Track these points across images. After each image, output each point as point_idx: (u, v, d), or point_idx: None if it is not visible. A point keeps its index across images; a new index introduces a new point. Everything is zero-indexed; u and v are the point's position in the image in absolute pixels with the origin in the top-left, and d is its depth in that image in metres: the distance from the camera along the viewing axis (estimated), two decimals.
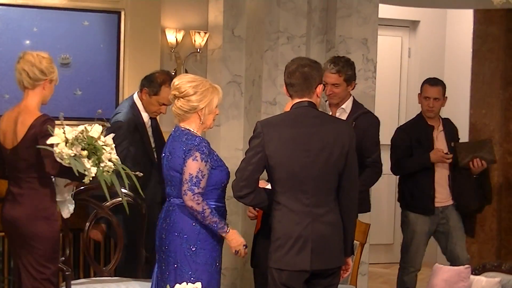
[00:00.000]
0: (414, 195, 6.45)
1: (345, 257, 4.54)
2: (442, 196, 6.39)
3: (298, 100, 4.50)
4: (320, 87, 4.51)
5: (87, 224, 5.49)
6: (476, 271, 5.10)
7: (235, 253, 4.77)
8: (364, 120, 5.87)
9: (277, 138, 4.42)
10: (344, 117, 5.82)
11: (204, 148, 4.61)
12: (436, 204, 6.40)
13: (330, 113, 5.68)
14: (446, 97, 6.57)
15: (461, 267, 5.00)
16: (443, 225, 6.47)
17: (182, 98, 4.65)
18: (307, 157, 4.38)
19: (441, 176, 6.41)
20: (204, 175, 4.60)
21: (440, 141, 6.47)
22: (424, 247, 6.60)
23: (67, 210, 4.97)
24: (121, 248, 5.56)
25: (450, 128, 6.54)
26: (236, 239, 4.73)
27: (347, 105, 5.91)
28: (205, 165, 4.60)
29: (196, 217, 4.61)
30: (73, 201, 5.00)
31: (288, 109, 4.57)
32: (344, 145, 4.40)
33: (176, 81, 4.69)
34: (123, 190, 5.48)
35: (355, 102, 5.95)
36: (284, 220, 4.43)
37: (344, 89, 5.83)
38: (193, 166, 4.57)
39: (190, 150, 4.58)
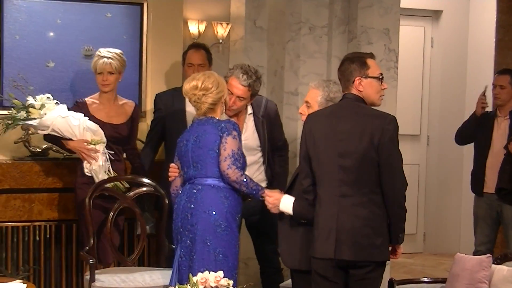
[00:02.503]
0: (472, 177, 6.91)
1: (393, 244, 4.56)
2: (491, 181, 6.53)
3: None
4: (358, 80, 4.51)
5: (110, 214, 5.54)
6: (498, 260, 5.09)
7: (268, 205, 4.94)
8: (271, 107, 5.83)
9: (314, 130, 4.53)
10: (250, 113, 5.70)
11: (238, 128, 4.91)
12: (485, 189, 6.66)
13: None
14: None
15: (483, 256, 4.99)
16: (498, 212, 6.72)
17: (210, 94, 4.90)
18: (334, 149, 4.43)
19: (493, 161, 6.60)
20: (242, 154, 4.91)
21: (502, 129, 6.65)
22: (483, 230, 6.82)
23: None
24: (144, 238, 5.61)
25: None
26: (274, 196, 4.89)
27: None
28: (241, 146, 4.91)
29: (240, 188, 4.86)
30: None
31: None
32: (373, 138, 4.37)
33: (198, 83, 4.91)
34: (146, 180, 5.56)
35: None
36: (318, 210, 4.51)
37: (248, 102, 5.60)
38: (234, 144, 4.84)
39: (227, 129, 4.84)
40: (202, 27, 6.81)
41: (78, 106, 5.82)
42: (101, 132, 5.67)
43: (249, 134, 5.67)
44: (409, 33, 8.81)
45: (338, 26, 6.69)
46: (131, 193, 5.61)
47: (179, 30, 6.71)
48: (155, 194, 5.71)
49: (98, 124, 5.71)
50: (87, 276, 5.27)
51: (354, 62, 4.54)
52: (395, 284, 5.10)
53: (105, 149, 5.63)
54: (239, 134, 4.90)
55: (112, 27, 6.47)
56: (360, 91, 4.53)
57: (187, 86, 4.95)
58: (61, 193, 6.09)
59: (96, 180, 5.59)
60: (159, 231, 5.70)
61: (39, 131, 5.70)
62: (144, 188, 5.64)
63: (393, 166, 4.44)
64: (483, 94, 6.74)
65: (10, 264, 6.01)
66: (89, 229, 5.48)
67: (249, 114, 5.68)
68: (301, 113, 4.95)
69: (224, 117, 5.25)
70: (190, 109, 5.85)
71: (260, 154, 5.71)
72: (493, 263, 4.98)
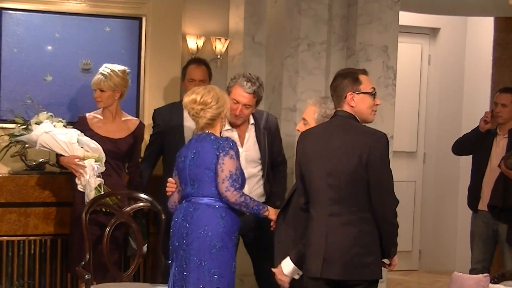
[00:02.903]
0: (468, 193, 6.92)
1: (385, 257, 4.53)
2: (486, 198, 6.54)
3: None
4: (350, 95, 4.49)
5: (107, 229, 5.52)
6: (495, 280, 5.07)
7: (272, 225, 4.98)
8: (272, 120, 5.84)
9: (306, 148, 4.50)
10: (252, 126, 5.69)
11: (235, 147, 4.85)
12: (481, 206, 6.70)
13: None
14: None
15: (480, 275, 4.96)
16: (494, 230, 6.73)
17: (209, 109, 4.85)
18: (324, 167, 4.39)
19: (490, 178, 6.60)
20: (240, 172, 4.86)
21: (500, 147, 6.66)
22: (479, 247, 6.82)
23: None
24: (141, 254, 5.59)
25: None
26: (275, 214, 4.97)
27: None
28: (239, 164, 4.85)
29: (240, 209, 4.84)
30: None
31: None
32: (361, 156, 4.33)
33: (197, 97, 4.88)
34: (143, 196, 5.54)
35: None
36: (310, 229, 4.47)
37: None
38: (232, 164, 4.79)
39: (224, 148, 4.79)
40: (200, 42, 6.82)
41: (79, 121, 5.85)
42: (99, 148, 5.65)
43: (250, 145, 5.65)
44: (407, 50, 8.81)
45: (336, 42, 6.69)
46: (128, 208, 5.59)
47: (178, 45, 6.71)
48: (152, 210, 5.69)
49: (95, 137, 5.70)
50: None
51: (346, 78, 4.52)
52: None
53: (96, 165, 5.61)
54: (237, 152, 4.86)
55: (111, 42, 6.47)
56: (352, 106, 4.50)
57: (187, 99, 4.93)
58: (57, 207, 6.07)
59: (86, 197, 5.58)
60: (156, 246, 5.66)
61: (33, 147, 5.73)
62: (141, 204, 5.62)
63: (383, 184, 4.37)
64: (490, 110, 6.75)
65: (5, 278, 5.98)
66: (85, 244, 5.45)
67: (251, 124, 5.67)
68: (298, 130, 4.93)
69: (226, 133, 5.29)
70: (188, 124, 5.85)
71: (260, 167, 5.69)
72: (491, 282, 4.97)
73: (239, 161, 4.87)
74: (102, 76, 5.76)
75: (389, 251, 4.49)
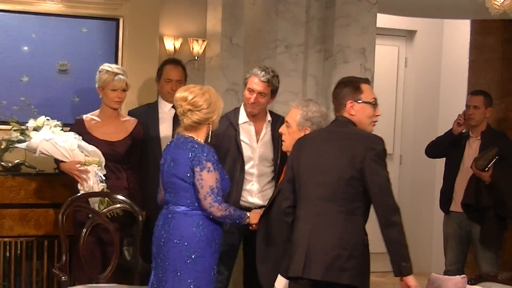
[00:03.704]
0: (441, 195, 6.98)
1: (396, 274, 4.35)
2: (459, 199, 6.59)
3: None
4: (350, 103, 4.51)
5: (83, 230, 5.49)
6: (472, 281, 5.10)
7: (251, 227, 4.99)
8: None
9: (301, 152, 4.51)
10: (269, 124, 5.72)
11: (213, 157, 4.70)
12: (454, 208, 6.76)
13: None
14: (491, 108, 6.81)
15: (458, 276, 4.98)
16: (467, 231, 6.77)
17: (197, 111, 4.72)
18: (316, 168, 4.40)
19: (462, 180, 6.65)
20: (221, 181, 4.74)
21: (473, 149, 6.71)
22: (453, 249, 6.87)
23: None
24: (118, 255, 5.56)
25: (492, 140, 6.65)
26: (257, 217, 4.97)
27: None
28: (218, 173, 4.71)
29: (225, 221, 4.77)
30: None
31: None
32: (355, 156, 4.33)
33: (189, 95, 4.73)
34: (120, 197, 5.51)
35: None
36: (295, 229, 4.45)
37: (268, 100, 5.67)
38: (211, 178, 4.66)
39: (200, 161, 4.65)
40: (178, 44, 6.80)
41: (76, 124, 5.80)
42: (97, 152, 5.62)
43: (266, 142, 5.64)
44: (383, 53, 8.83)
45: (314, 44, 6.68)
46: (105, 210, 5.56)
47: (155, 46, 6.69)
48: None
49: (93, 141, 5.66)
50: None
51: (347, 86, 4.53)
52: None
53: (97, 170, 5.57)
54: (215, 162, 4.71)
55: (88, 43, 6.45)
56: (352, 115, 4.51)
57: (178, 94, 4.77)
58: (33, 209, 6.03)
59: (90, 202, 5.55)
60: (134, 248, 5.63)
61: (32, 154, 5.69)
62: (118, 205, 5.58)
63: (380, 184, 4.33)
64: (463, 113, 6.79)
65: None
66: (62, 245, 5.41)
67: (268, 121, 5.68)
68: (281, 132, 4.93)
69: (243, 125, 5.45)
70: (164, 125, 5.86)
71: (272, 168, 5.65)
72: (468, 283, 4.99)
73: (217, 170, 4.73)
74: (122, 76, 5.72)
75: (398, 266, 4.30)
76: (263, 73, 5.52)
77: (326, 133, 4.55)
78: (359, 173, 4.33)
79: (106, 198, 5.56)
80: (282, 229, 4.72)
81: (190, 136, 4.76)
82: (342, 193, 4.36)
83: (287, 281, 4.54)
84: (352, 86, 4.52)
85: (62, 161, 5.59)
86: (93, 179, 5.54)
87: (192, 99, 4.71)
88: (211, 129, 4.81)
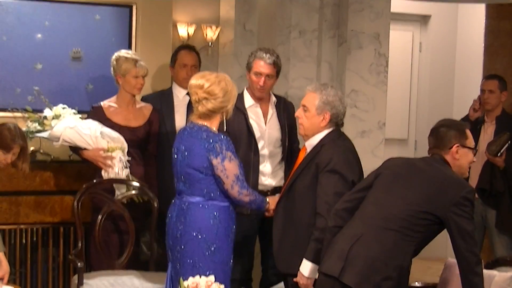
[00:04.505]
0: None
1: None
2: (474, 185, 6.56)
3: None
4: (456, 147, 4.45)
5: (99, 217, 5.50)
6: (489, 266, 5.08)
7: (268, 212, 4.96)
8: (290, 104, 5.87)
9: (388, 168, 4.46)
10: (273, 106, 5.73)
11: (231, 145, 4.68)
12: None
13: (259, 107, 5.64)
14: (506, 92, 6.77)
15: None
16: (482, 217, 6.72)
17: (213, 99, 4.68)
18: (395, 195, 4.31)
19: (478, 165, 6.56)
20: (241, 165, 4.73)
21: (488, 134, 6.68)
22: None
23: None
24: (133, 242, 5.57)
25: (508, 124, 6.64)
26: (275, 202, 4.93)
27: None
28: (238, 159, 4.70)
29: (250, 206, 4.81)
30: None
31: None
32: (443, 198, 4.24)
33: (205, 83, 4.68)
34: (135, 184, 5.52)
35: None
36: (345, 227, 4.37)
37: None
38: (234, 166, 4.65)
39: (220, 151, 4.62)
40: (191, 30, 6.78)
41: (94, 111, 5.78)
42: (121, 138, 5.62)
43: (273, 123, 5.65)
44: (398, 38, 8.79)
45: (328, 30, 6.65)
46: (120, 196, 5.57)
47: (168, 32, 6.67)
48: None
49: (114, 128, 5.66)
50: (74, 280, 5.23)
51: (453, 129, 4.46)
52: None
53: (121, 156, 5.58)
54: (233, 150, 4.70)
55: (101, 30, 6.44)
56: (455, 158, 4.44)
57: (194, 81, 4.73)
58: (49, 196, 6.05)
59: (115, 189, 5.57)
60: (150, 235, 5.64)
61: (54, 143, 5.68)
62: (133, 191, 5.59)
63: (468, 233, 4.24)
64: (478, 98, 6.76)
65: None
66: (78, 232, 5.43)
67: (273, 102, 5.69)
68: (297, 116, 4.90)
69: (250, 108, 5.43)
70: (179, 115, 5.85)
71: (281, 148, 5.66)
72: (484, 268, 4.97)
73: (237, 157, 4.73)
74: (142, 62, 5.74)
75: None
76: (268, 55, 5.51)
77: (424, 164, 4.44)
78: (442, 214, 4.24)
79: (130, 175, 5.59)
80: (304, 213, 4.69)
81: (204, 125, 4.72)
82: (409, 220, 4.26)
83: (314, 266, 4.52)
84: (458, 130, 4.46)
85: (84, 149, 5.59)
86: (118, 166, 5.54)
87: (208, 87, 4.67)
88: (224, 118, 4.79)
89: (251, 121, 5.56)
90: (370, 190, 4.42)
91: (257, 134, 5.56)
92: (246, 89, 5.66)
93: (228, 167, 4.63)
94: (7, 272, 4.82)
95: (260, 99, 5.61)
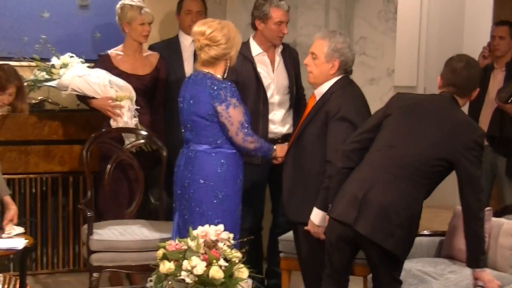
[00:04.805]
0: None
1: (471, 268, 4.33)
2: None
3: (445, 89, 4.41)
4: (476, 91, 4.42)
5: (108, 166, 5.51)
6: (498, 213, 5.09)
7: (276, 160, 4.94)
8: (295, 51, 5.89)
9: (398, 110, 4.37)
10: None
11: (236, 92, 4.65)
12: None
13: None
14: None
15: None
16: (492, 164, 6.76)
17: (215, 46, 4.64)
18: (407, 136, 4.27)
19: (487, 112, 6.63)
20: (246, 112, 4.71)
21: (497, 80, 6.65)
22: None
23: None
24: (142, 191, 5.58)
25: None
26: (283, 150, 4.88)
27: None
28: (242, 106, 4.68)
29: (256, 154, 4.79)
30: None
31: None
32: (455, 144, 4.20)
33: (207, 30, 4.64)
34: (144, 133, 5.51)
35: None
36: (355, 171, 4.34)
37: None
38: (238, 113, 4.63)
39: (224, 98, 4.59)
40: None
41: (101, 60, 5.75)
42: (129, 87, 5.59)
43: (280, 71, 5.65)
44: None
45: None
46: (129, 145, 5.56)
47: None
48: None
49: (122, 76, 5.63)
50: (84, 229, 5.25)
51: (478, 72, 4.43)
52: None
53: (130, 105, 5.56)
54: (238, 97, 4.67)
55: None
56: (470, 100, 4.47)
57: (196, 28, 4.69)
58: (58, 145, 6.05)
59: (124, 138, 5.56)
60: (158, 184, 5.65)
61: (62, 92, 5.66)
62: (142, 140, 5.58)
63: (476, 178, 4.22)
64: (488, 45, 6.71)
65: None
66: (87, 181, 5.45)
67: (280, 50, 5.69)
68: (306, 64, 4.87)
69: (257, 57, 5.46)
70: (189, 66, 5.82)
71: (289, 96, 5.68)
72: (493, 216, 4.98)
73: (242, 104, 4.71)
74: (147, 9, 5.72)
75: (477, 259, 4.28)
76: (283, 2, 5.52)
77: (434, 105, 4.36)
78: (453, 158, 4.21)
79: (139, 124, 5.59)
80: (314, 162, 4.68)
81: (209, 72, 4.70)
82: (421, 168, 4.24)
83: (324, 214, 4.52)
84: (480, 72, 4.44)
85: (93, 98, 5.58)
86: (127, 114, 5.54)
87: (210, 33, 4.63)
88: (228, 64, 4.75)
89: (259, 70, 5.54)
90: (379, 132, 4.38)
91: (265, 82, 5.55)
92: (253, 37, 5.63)
93: (232, 114, 4.62)
94: (15, 214, 4.87)
95: (267, 47, 5.59)
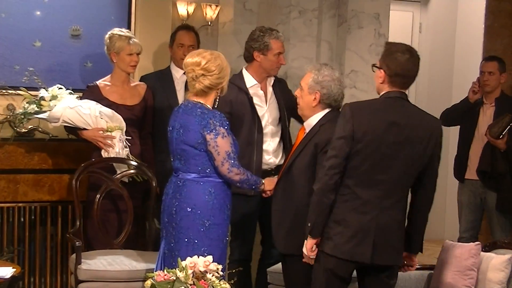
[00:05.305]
0: (455, 162, 6.95)
1: (411, 254, 4.51)
2: (474, 167, 6.57)
3: (394, 89, 4.38)
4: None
5: (97, 196, 5.50)
6: (487, 248, 5.09)
7: (265, 194, 4.94)
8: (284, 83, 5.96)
9: (367, 124, 4.26)
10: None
11: (225, 122, 4.68)
12: (468, 175, 6.77)
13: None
14: (505, 74, 6.79)
15: (472, 243, 4.99)
16: (481, 199, 6.78)
17: (210, 76, 4.69)
18: (391, 148, 4.24)
19: (477, 147, 6.64)
20: (235, 143, 4.74)
21: (487, 116, 6.68)
22: (467, 216, 6.88)
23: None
24: (131, 221, 5.57)
25: (507, 106, 6.63)
26: (272, 183, 4.87)
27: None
28: (231, 137, 4.70)
29: (242, 186, 4.77)
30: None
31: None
32: (429, 144, 4.30)
33: (202, 61, 4.70)
34: (134, 163, 5.51)
35: None
36: (349, 206, 4.32)
37: None
38: (226, 143, 4.65)
39: (213, 127, 4.62)
40: (191, 9, 6.75)
41: (90, 91, 5.76)
42: (119, 117, 5.61)
43: (273, 102, 5.75)
44: (398, 18, 8.76)
45: (328, 10, 6.64)
46: (118, 175, 5.56)
47: (168, 11, 6.64)
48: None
49: (112, 107, 5.64)
50: (73, 259, 5.23)
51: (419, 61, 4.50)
52: None
53: (121, 135, 5.57)
54: (227, 127, 4.69)
55: (100, 7, 6.39)
56: None
57: (190, 59, 4.74)
58: (47, 174, 6.02)
59: (116, 169, 5.57)
60: (147, 214, 5.64)
61: (53, 124, 5.67)
62: (132, 170, 5.59)
63: (435, 174, 4.41)
64: (477, 80, 6.75)
65: None
66: (76, 210, 5.44)
67: (272, 81, 5.78)
68: (295, 95, 4.89)
69: (252, 89, 5.51)
70: (180, 92, 5.85)
71: (280, 127, 5.75)
72: (482, 250, 4.98)
73: (231, 135, 4.73)
74: (136, 40, 5.76)
75: (422, 244, 4.50)
76: (279, 33, 5.65)
77: (399, 117, 4.29)
78: (428, 159, 4.33)
79: (130, 155, 5.61)
80: (303, 193, 4.65)
81: (199, 102, 4.74)
82: (412, 181, 4.36)
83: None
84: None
85: (84, 129, 5.57)
86: (118, 145, 5.54)
87: (205, 64, 4.69)
88: (219, 94, 4.79)
89: (254, 101, 5.59)
90: (358, 156, 4.28)
91: (259, 112, 5.62)
92: (246, 69, 5.66)
93: (220, 144, 4.64)
94: None
95: (261, 79, 5.66)
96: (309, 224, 4.37)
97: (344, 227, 4.30)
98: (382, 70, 4.40)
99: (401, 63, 4.36)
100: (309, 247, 4.42)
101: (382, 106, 4.34)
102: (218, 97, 4.80)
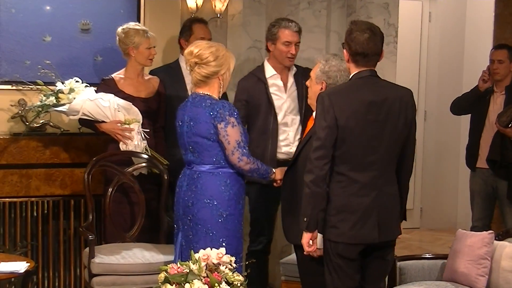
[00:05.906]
0: (466, 151, 6.94)
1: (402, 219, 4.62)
2: (485, 155, 6.56)
3: (362, 69, 4.40)
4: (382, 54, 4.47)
5: (109, 190, 5.51)
6: (500, 237, 5.09)
7: (276, 183, 4.96)
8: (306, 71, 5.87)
9: (347, 109, 4.30)
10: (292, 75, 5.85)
11: (234, 111, 4.70)
12: (479, 164, 6.73)
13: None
14: None
15: (485, 232, 4.98)
16: (493, 187, 6.75)
17: (204, 64, 4.69)
18: (375, 128, 4.29)
19: (488, 136, 6.63)
20: (244, 133, 4.77)
21: (497, 104, 6.66)
22: (479, 205, 6.85)
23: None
24: (143, 214, 5.58)
25: None
26: (283, 173, 4.89)
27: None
28: (241, 126, 4.73)
29: (252, 175, 4.81)
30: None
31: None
32: (408, 115, 4.37)
33: (195, 49, 4.73)
34: (145, 156, 5.52)
35: None
36: (348, 192, 4.35)
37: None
38: (236, 132, 4.67)
39: (223, 117, 4.64)
40: (200, 1, 6.72)
41: (106, 84, 5.77)
42: (136, 110, 5.61)
43: (293, 92, 5.80)
44: (407, 8, 8.75)
45: (337, 0, 6.63)
46: (130, 169, 5.57)
47: (177, 4, 6.64)
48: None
49: (128, 99, 5.65)
50: (86, 252, 5.25)
51: (380, 34, 4.45)
52: (396, 260, 5.09)
53: (140, 127, 5.58)
54: (237, 117, 4.70)
55: (109, 1, 6.39)
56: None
57: (187, 49, 4.79)
58: (59, 169, 6.05)
59: (135, 161, 5.58)
60: (158, 208, 5.65)
61: (71, 117, 5.68)
62: (143, 164, 5.60)
63: (414, 142, 4.49)
64: (487, 69, 6.73)
65: (8, 240, 5.97)
66: (88, 204, 5.46)
67: (294, 72, 5.83)
68: (307, 85, 4.91)
69: (270, 79, 5.59)
70: (190, 84, 5.84)
71: (299, 117, 5.79)
72: (495, 239, 4.98)
73: (240, 124, 4.75)
74: (151, 32, 5.80)
75: (405, 211, 4.61)
76: (293, 23, 5.70)
77: (373, 95, 4.33)
78: (408, 129, 4.40)
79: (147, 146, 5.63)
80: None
81: (206, 94, 4.75)
82: (399, 153, 4.42)
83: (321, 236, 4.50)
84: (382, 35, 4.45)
85: (102, 122, 5.59)
86: (136, 137, 5.55)
87: (198, 52, 4.71)
88: (222, 85, 4.79)
89: (271, 90, 5.67)
90: (344, 142, 4.31)
91: (278, 103, 5.69)
92: (267, 60, 5.79)
93: (230, 133, 4.66)
94: None
95: (280, 69, 5.74)
96: (305, 219, 4.38)
97: (347, 213, 4.33)
98: (345, 50, 4.45)
99: (361, 41, 4.35)
100: (305, 241, 4.43)
101: (357, 88, 4.39)
102: (222, 87, 4.79)
